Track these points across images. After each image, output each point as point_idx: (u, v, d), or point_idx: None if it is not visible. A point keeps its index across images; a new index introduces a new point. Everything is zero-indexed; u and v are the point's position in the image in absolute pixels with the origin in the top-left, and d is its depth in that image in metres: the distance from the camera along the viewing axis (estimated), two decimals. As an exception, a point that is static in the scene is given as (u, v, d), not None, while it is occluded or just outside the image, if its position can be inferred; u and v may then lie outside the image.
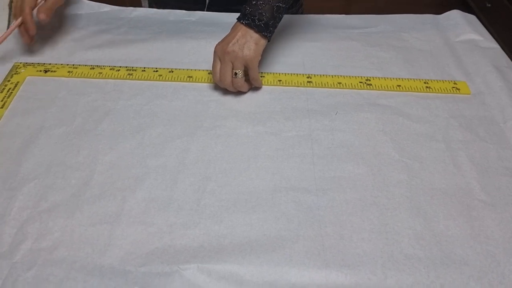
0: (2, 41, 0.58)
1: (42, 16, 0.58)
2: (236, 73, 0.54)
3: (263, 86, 0.60)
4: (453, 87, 0.60)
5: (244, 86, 0.56)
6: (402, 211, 0.45)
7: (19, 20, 0.59)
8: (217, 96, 0.58)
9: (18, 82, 0.58)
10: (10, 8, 0.74)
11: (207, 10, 0.75)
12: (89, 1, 0.73)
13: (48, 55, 0.64)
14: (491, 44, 0.69)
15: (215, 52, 0.55)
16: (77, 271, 0.39)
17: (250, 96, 0.58)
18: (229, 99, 0.57)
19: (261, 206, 0.45)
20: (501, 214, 0.45)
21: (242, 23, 0.54)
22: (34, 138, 0.51)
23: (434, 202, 0.46)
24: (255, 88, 0.59)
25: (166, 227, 0.43)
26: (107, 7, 0.73)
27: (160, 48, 0.65)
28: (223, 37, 0.56)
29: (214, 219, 0.44)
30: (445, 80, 0.61)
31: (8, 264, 0.39)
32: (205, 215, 0.44)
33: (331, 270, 0.40)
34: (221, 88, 0.59)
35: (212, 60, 0.56)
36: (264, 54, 0.64)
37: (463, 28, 0.71)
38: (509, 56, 0.66)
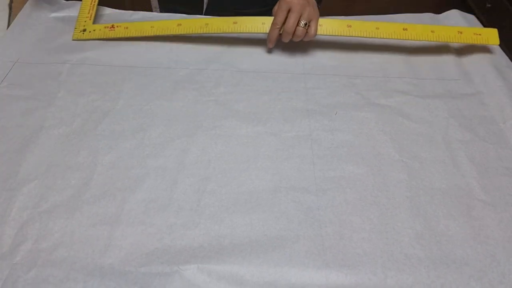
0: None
1: None
2: (306, 23, 0.59)
3: (261, 86, 0.60)
4: (476, 34, 0.62)
5: (303, 34, 0.60)
6: (402, 211, 0.45)
7: None
8: (216, 96, 0.58)
9: None
10: (10, 8, 0.74)
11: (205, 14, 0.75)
12: None
13: (46, 56, 0.63)
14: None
15: (286, 2, 0.58)
16: (77, 272, 0.39)
17: (249, 96, 0.58)
18: (229, 99, 0.57)
19: (261, 206, 0.45)
20: (501, 214, 0.45)
21: None
22: (34, 138, 0.51)
23: (434, 202, 0.46)
24: (254, 88, 0.59)
25: (166, 227, 0.43)
26: (107, 10, 0.73)
27: (158, 47, 0.65)
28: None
29: (214, 219, 0.44)
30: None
31: (8, 265, 0.39)
32: (205, 215, 0.44)
33: (331, 270, 0.40)
34: (220, 87, 0.59)
35: (277, 9, 0.59)
36: (264, 54, 0.65)
37: (463, 28, 0.71)
38: (508, 56, 0.66)
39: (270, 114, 0.56)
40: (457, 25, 0.72)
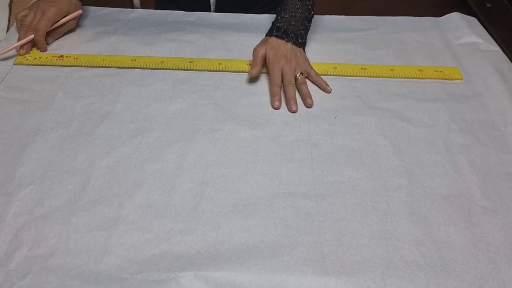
0: (7, 52, 0.61)
1: (50, 40, 0.65)
2: (302, 73, 0.59)
3: (261, 89, 0.59)
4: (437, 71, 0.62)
5: (304, 80, 0.60)
6: (402, 217, 0.45)
7: (31, 37, 0.62)
8: (215, 99, 0.57)
9: None
10: (10, 8, 0.73)
11: None
12: (86, 6, 0.73)
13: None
14: (492, 47, 0.68)
15: (274, 63, 0.59)
16: (73, 279, 0.39)
17: (248, 100, 0.58)
18: (227, 102, 0.57)
19: (259, 212, 0.45)
20: (502, 220, 0.45)
21: (289, 41, 0.61)
22: (30, 142, 0.50)
23: (434, 207, 0.46)
24: (253, 90, 0.59)
25: (163, 233, 0.43)
26: (104, 10, 0.73)
27: (158, 52, 0.65)
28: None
29: (211, 225, 0.43)
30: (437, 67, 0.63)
31: (3, 272, 0.39)
32: (202, 221, 0.44)
33: (330, 277, 0.40)
34: (219, 90, 0.58)
35: (270, 71, 0.59)
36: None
37: (464, 31, 0.70)
38: (509, 59, 0.66)
39: (269, 118, 0.55)
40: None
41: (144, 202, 0.45)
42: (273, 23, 0.63)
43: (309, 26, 0.64)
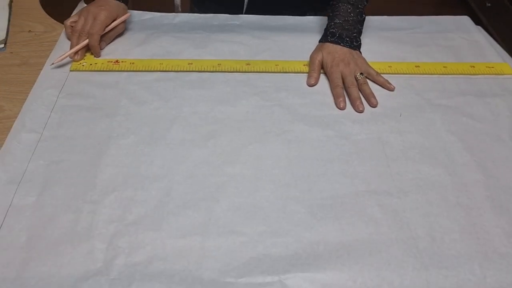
0: (63, 59, 0.60)
1: (103, 45, 0.64)
2: (362, 73, 0.59)
3: (322, 88, 0.60)
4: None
5: (365, 80, 0.60)
6: (487, 211, 0.46)
7: (85, 42, 0.61)
8: (279, 100, 0.57)
9: None
10: (10, 8, 0.71)
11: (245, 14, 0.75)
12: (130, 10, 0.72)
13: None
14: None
15: (333, 67, 0.60)
16: (178, 285, 0.38)
17: (312, 99, 0.58)
18: (292, 103, 0.57)
19: (347, 211, 0.45)
20: None
21: (345, 45, 0.62)
22: (104, 149, 0.50)
23: (514, 200, 0.47)
24: (315, 90, 0.59)
25: (256, 235, 0.43)
26: (149, 14, 0.72)
27: (212, 54, 0.65)
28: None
29: (303, 225, 0.44)
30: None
31: (107, 280, 0.38)
32: (293, 222, 0.44)
33: (431, 272, 0.40)
34: (281, 91, 0.59)
35: (330, 75, 0.60)
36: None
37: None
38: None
39: (336, 117, 0.55)
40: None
41: (231, 205, 0.45)
42: (326, 29, 0.64)
43: (362, 29, 0.64)
